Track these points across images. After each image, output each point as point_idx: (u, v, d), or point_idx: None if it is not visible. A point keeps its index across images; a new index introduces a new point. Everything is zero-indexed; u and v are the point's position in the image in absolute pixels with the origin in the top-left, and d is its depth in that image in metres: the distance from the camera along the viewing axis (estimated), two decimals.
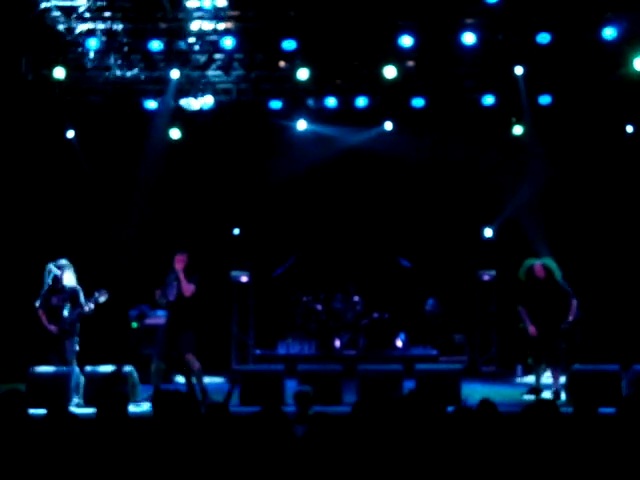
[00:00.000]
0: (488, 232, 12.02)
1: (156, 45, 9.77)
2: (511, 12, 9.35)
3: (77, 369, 8.53)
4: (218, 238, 12.21)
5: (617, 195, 11.41)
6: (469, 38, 9.48)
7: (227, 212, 12.29)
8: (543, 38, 9.49)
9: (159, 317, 10.88)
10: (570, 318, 8.81)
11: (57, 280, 8.82)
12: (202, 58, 10.18)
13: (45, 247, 10.40)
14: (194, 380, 8.49)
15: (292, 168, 12.22)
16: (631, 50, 9.55)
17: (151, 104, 11.07)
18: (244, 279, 12.18)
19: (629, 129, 11.00)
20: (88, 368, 8.60)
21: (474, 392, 8.29)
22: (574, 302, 8.87)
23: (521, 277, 9.06)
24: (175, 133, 11.43)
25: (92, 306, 8.67)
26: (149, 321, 10.85)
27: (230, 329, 12.24)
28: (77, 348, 8.84)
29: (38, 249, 10.52)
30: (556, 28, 9.45)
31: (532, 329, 8.76)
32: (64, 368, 8.49)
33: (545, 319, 8.76)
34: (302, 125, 11.65)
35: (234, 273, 12.13)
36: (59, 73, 9.86)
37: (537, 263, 8.96)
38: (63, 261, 8.87)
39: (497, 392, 9.04)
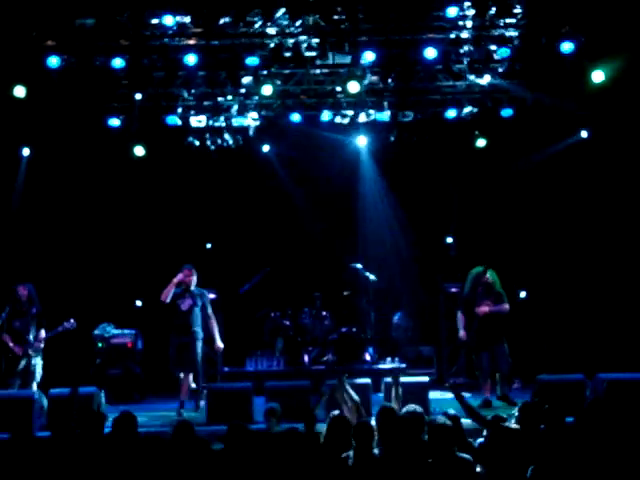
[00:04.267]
0: (449, 240, 12.15)
1: (118, 62, 9.70)
2: (471, 27, 9.48)
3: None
4: (185, 255, 12.12)
5: (576, 205, 11.58)
6: (430, 52, 9.58)
7: (194, 229, 12.22)
8: (503, 52, 9.64)
9: (124, 337, 10.79)
10: (493, 308, 9.07)
11: (21, 304, 8.71)
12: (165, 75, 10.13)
13: (6, 270, 10.27)
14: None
15: (258, 185, 12.25)
16: (588, 64, 9.75)
17: (114, 122, 10.98)
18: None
19: (583, 134, 11.19)
20: (53, 391, 8.43)
21: (442, 404, 8.29)
22: (506, 306, 9.19)
23: (468, 284, 9.30)
24: (139, 150, 11.35)
25: (44, 335, 8.61)
26: (115, 341, 10.72)
27: None
28: (41, 370, 8.74)
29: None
30: (515, 42, 9.60)
31: (463, 333, 9.21)
32: (28, 391, 8.34)
33: (487, 324, 9.04)
34: (266, 148, 11.84)
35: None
36: (19, 92, 9.75)
37: (485, 270, 9.22)
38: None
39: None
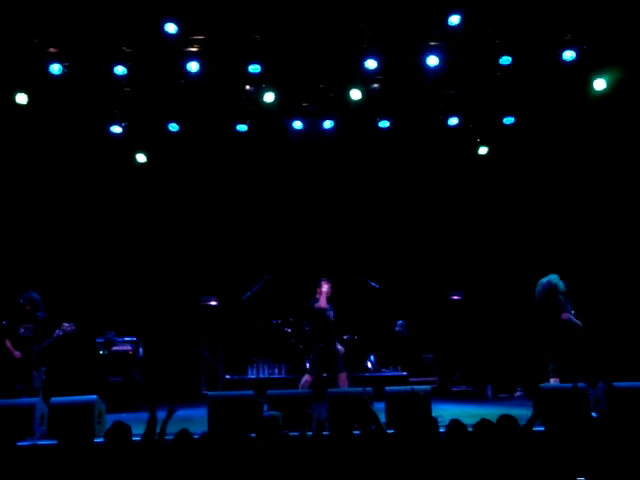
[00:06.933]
0: None
1: (120, 69, 9.70)
2: (473, 35, 9.49)
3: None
4: (187, 262, 12.14)
5: (574, 210, 11.56)
6: (432, 60, 9.59)
7: (195, 236, 12.23)
8: (505, 60, 9.64)
9: (126, 344, 10.78)
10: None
11: (26, 312, 8.70)
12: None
13: (11, 277, 10.27)
14: None
15: (260, 191, 12.25)
16: (590, 71, 9.76)
17: (116, 129, 10.95)
18: (213, 303, 12.09)
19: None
20: (54, 399, 8.38)
21: (445, 412, 8.27)
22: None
23: (551, 292, 8.83)
24: (141, 157, 11.37)
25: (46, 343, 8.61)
26: (116, 348, 10.70)
27: (200, 354, 12.12)
28: (44, 378, 8.72)
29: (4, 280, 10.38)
30: (517, 50, 9.60)
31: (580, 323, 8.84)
32: (30, 399, 8.30)
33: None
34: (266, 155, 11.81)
35: (203, 297, 12.04)
36: (21, 99, 9.76)
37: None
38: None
39: (467, 412, 9.04)
